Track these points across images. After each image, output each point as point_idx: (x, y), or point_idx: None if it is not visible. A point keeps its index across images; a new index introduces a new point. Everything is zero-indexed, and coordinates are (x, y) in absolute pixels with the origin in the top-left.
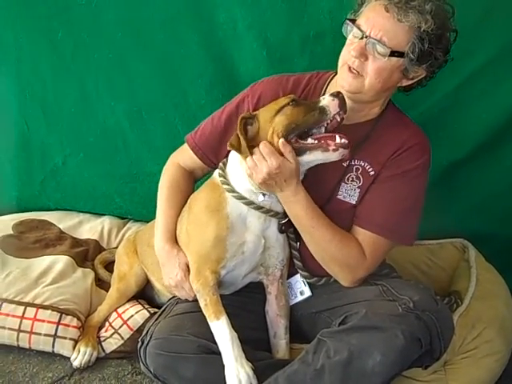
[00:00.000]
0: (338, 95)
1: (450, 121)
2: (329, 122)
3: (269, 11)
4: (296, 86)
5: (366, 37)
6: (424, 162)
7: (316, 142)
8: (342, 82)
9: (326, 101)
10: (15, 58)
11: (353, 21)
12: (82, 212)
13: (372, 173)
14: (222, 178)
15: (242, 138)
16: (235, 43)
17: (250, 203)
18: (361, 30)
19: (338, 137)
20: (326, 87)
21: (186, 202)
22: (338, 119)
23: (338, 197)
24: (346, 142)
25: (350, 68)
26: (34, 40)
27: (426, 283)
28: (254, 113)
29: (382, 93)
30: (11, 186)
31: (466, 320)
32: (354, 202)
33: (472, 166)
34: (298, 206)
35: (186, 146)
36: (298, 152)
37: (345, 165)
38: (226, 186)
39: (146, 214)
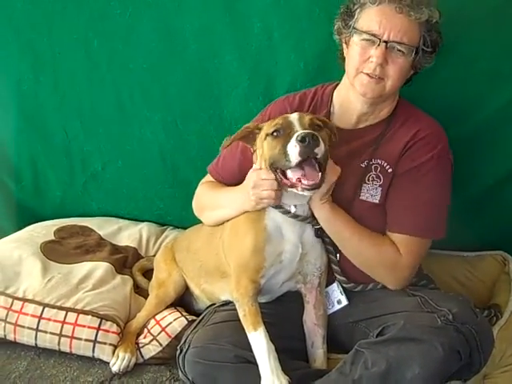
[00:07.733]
0: (302, 141)
1: (496, 138)
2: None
3: (306, 20)
4: (302, 102)
5: (386, 41)
6: (440, 151)
7: (288, 179)
8: (363, 89)
9: (292, 144)
10: (52, 68)
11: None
12: (124, 215)
13: (390, 170)
14: None
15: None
16: (271, 54)
17: (286, 212)
18: (376, 36)
19: (303, 180)
20: (331, 98)
21: None
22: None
23: (361, 198)
24: (312, 182)
25: (369, 75)
26: (70, 49)
27: (465, 295)
28: (261, 125)
29: (397, 90)
30: (55, 186)
31: (505, 333)
32: (377, 201)
33: None
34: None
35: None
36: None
37: (363, 165)
38: None
39: (186, 216)
